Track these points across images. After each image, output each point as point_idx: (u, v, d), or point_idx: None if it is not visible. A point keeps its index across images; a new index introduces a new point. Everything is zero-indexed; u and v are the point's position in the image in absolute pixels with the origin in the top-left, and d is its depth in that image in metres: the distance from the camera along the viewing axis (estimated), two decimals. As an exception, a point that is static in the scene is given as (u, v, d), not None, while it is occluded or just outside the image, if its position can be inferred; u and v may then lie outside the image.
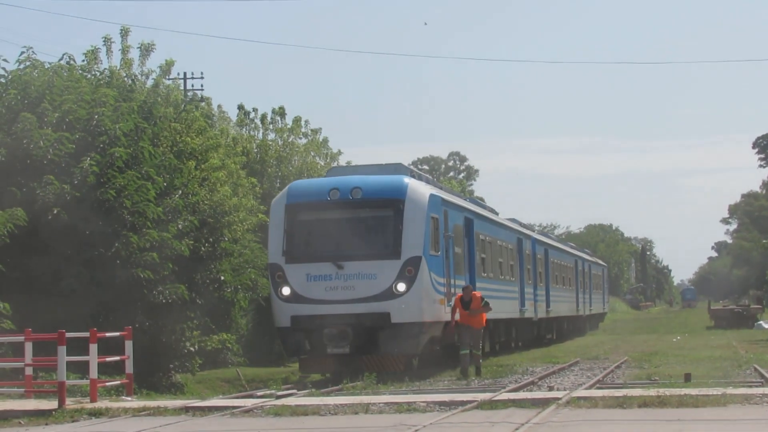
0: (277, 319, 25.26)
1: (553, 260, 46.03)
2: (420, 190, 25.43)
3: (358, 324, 23.96)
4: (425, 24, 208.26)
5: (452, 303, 25.43)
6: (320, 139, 49.29)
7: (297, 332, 24.58)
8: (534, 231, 46.32)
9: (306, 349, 24.62)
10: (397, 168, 26.96)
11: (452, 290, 26.46)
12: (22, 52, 28.17)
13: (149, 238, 25.79)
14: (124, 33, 35.55)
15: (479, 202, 40.00)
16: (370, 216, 25.23)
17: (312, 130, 49.07)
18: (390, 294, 24.15)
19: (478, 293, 25.45)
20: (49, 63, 28.74)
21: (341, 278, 24.37)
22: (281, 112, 47.74)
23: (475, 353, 25.03)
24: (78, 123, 26.59)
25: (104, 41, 35.40)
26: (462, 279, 28.16)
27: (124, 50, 34.99)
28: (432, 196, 25.65)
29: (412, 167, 27.67)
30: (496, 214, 37.61)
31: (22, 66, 27.98)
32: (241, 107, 47.57)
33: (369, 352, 24.08)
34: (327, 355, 24.05)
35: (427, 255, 24.59)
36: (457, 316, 25.39)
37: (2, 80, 27.37)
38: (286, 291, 24.65)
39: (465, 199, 33.73)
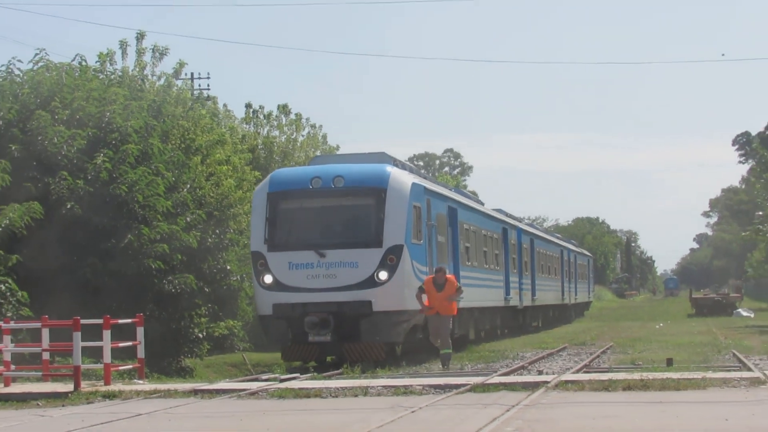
0: (259, 307, 24.37)
1: (538, 250, 45.24)
2: (402, 179, 24.32)
3: (339, 312, 22.88)
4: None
5: (421, 287, 22.80)
6: (320, 135, 49.43)
7: (279, 320, 23.42)
8: (522, 222, 45.19)
9: (288, 337, 23.54)
10: (380, 157, 25.94)
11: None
12: (36, 53, 28.30)
13: (159, 230, 25.85)
14: (140, 37, 35.70)
15: (464, 191, 38.73)
16: (352, 204, 24.01)
17: (312, 126, 49.22)
18: (372, 282, 23.08)
19: (452, 276, 23.14)
20: (60, 64, 28.82)
21: (323, 266, 23.28)
22: (285, 111, 47.89)
23: (444, 352, 22.68)
24: (89, 120, 26.65)
25: (120, 45, 35.53)
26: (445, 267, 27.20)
27: (139, 53, 35.12)
28: (414, 185, 24.57)
29: (395, 156, 26.59)
30: (482, 204, 36.83)
31: (35, 67, 28.07)
32: (248, 105, 47.75)
33: (351, 340, 23.10)
34: (309, 343, 23.10)
35: (409, 243, 23.64)
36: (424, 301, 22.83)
37: (17, 80, 27.45)
38: (268, 279, 23.56)
39: (449, 189, 32.51)
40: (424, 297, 22.64)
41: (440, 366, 22.57)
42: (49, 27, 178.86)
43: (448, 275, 22.93)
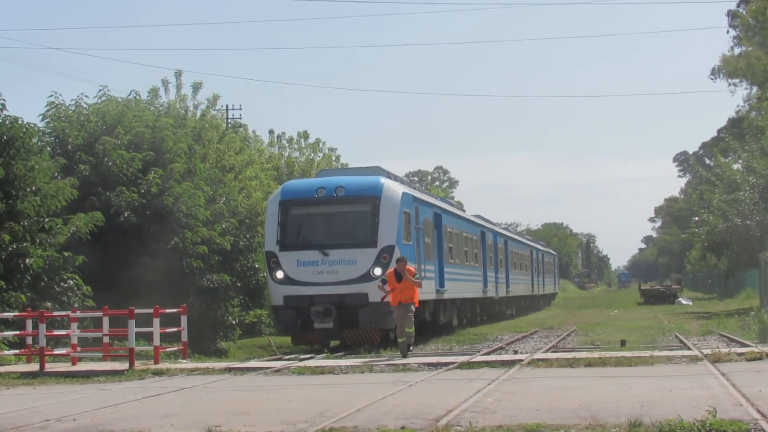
0: (272, 299, 23.52)
1: (512, 249, 44.55)
2: (394, 188, 23.56)
3: (341, 303, 22.22)
4: None
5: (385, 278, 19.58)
6: (334, 156, 49.50)
7: (289, 310, 22.69)
8: (498, 226, 44.24)
9: (297, 324, 22.69)
10: (375, 170, 25.24)
11: (422, 274, 24.58)
12: (100, 89, 28.43)
13: (200, 234, 25.81)
14: (178, 74, 35.95)
15: (448, 200, 37.61)
16: (351, 211, 23.24)
17: (329, 149, 49.29)
18: (368, 277, 22.31)
19: (411, 268, 19.66)
20: (121, 98, 28.97)
21: (326, 264, 22.54)
22: (305, 135, 47.95)
23: (408, 330, 18.91)
24: (144, 144, 26.69)
25: (163, 83, 35.85)
26: (431, 265, 26.39)
27: (179, 87, 35.37)
28: (404, 194, 23.83)
29: (388, 170, 25.73)
30: (463, 210, 36.32)
31: (99, 101, 28.15)
32: (271, 131, 47.89)
33: (350, 326, 22.50)
34: (314, 329, 22.49)
35: (400, 244, 22.86)
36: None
37: (85, 111, 27.49)
38: (279, 275, 22.78)
39: (435, 198, 31.60)
40: (386, 287, 19.44)
41: (399, 354, 18.71)
42: (106, 66, 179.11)
43: (408, 266, 19.46)
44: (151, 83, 45.10)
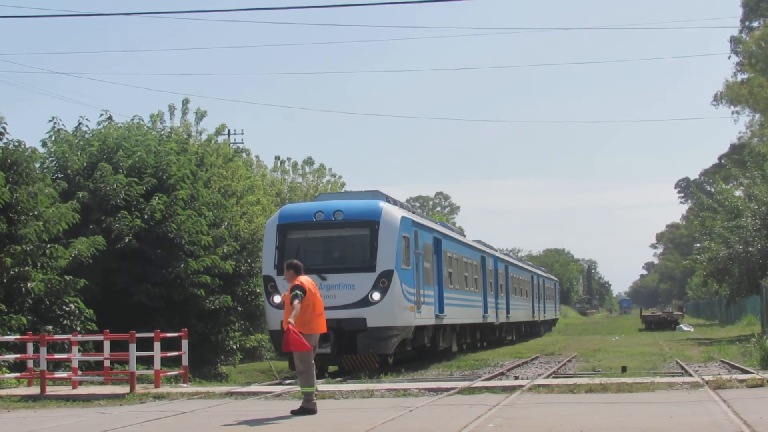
0: (269, 323, 23.07)
1: (512, 275, 44.22)
2: (393, 213, 23.22)
3: (339, 328, 21.60)
4: None
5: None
6: (339, 182, 49.79)
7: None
8: (498, 251, 43.72)
9: None
10: (374, 194, 24.85)
11: (422, 299, 24.45)
12: (101, 114, 28.56)
13: (204, 263, 25.84)
14: (185, 102, 36.32)
15: (448, 225, 37.18)
16: (350, 235, 22.94)
17: (333, 175, 49.62)
18: (366, 302, 22.03)
19: (299, 280, 13.27)
20: (122, 123, 29.12)
21: (324, 288, 21.65)
22: (309, 162, 48.33)
23: (305, 390, 13.24)
24: (147, 169, 26.75)
25: (169, 108, 36.19)
26: (431, 290, 26.03)
27: (184, 113, 35.67)
28: (403, 218, 23.46)
29: (387, 194, 25.42)
30: (464, 236, 36.14)
31: (101, 126, 28.28)
32: (277, 158, 48.38)
33: (349, 351, 22.11)
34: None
35: (398, 268, 22.58)
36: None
37: (86, 136, 27.59)
38: (277, 299, 22.15)
39: (435, 222, 30.94)
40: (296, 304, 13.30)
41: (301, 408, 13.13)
42: (112, 91, 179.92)
43: (301, 278, 13.32)
44: (156, 107, 45.85)
